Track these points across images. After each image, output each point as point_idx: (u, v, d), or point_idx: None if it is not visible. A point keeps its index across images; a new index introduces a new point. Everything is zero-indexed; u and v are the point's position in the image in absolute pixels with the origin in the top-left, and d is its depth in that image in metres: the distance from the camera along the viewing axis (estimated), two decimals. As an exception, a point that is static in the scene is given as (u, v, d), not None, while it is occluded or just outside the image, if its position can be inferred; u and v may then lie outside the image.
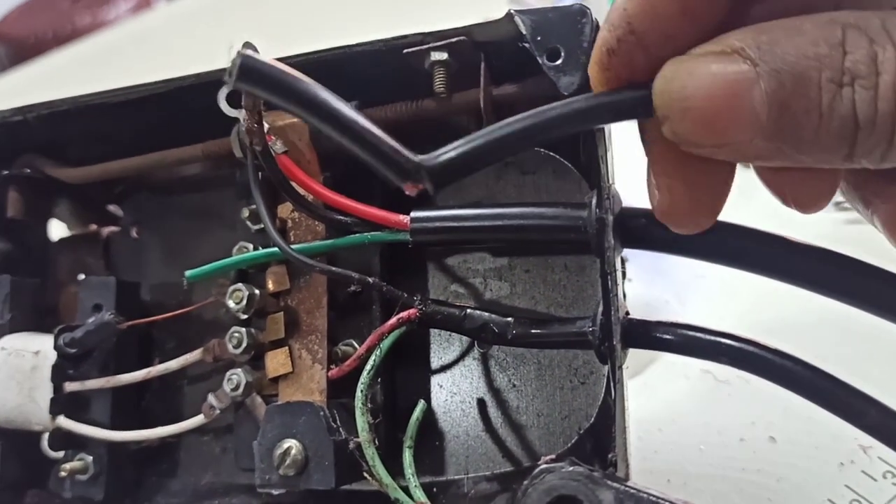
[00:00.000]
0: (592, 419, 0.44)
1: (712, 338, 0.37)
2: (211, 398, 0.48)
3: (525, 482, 0.35)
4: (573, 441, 0.44)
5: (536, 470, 0.35)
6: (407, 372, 0.48)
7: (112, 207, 0.58)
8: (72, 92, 0.50)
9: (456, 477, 0.46)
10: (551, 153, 0.47)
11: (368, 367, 0.41)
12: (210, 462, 0.53)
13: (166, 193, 0.57)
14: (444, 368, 0.48)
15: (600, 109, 0.31)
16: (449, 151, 0.31)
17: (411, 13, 1.11)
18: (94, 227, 0.60)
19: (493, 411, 0.46)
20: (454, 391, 0.47)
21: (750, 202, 0.71)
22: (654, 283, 0.64)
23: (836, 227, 0.67)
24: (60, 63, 1.35)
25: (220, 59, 0.46)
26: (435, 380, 0.48)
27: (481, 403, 0.47)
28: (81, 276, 0.58)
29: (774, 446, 0.52)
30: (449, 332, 0.48)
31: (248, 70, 0.30)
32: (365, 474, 0.39)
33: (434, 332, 0.48)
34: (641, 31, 0.29)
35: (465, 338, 0.48)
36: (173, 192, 0.57)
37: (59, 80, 1.28)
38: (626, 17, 0.29)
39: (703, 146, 0.29)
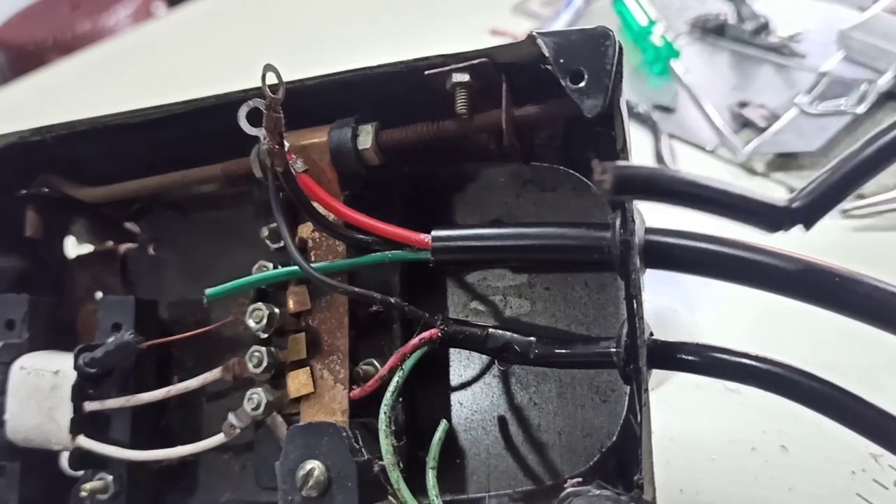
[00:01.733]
0: (615, 437, 0.44)
1: (738, 359, 0.37)
2: (231, 417, 0.47)
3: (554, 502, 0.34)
4: (595, 459, 0.44)
5: (563, 493, 0.35)
6: (427, 390, 0.48)
7: (129, 225, 0.58)
8: (76, 104, 0.50)
9: (477, 495, 0.46)
10: (571, 171, 0.47)
11: (392, 388, 0.41)
12: (230, 480, 0.53)
13: (184, 211, 0.57)
14: (464, 386, 0.48)
15: None
16: (812, 189, 0.33)
17: (415, 32, 1.11)
18: (110, 243, 0.60)
19: (514, 429, 0.46)
20: (475, 409, 0.47)
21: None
22: (662, 293, 0.64)
23: (845, 235, 0.67)
24: (63, 73, 1.35)
25: (221, 66, 0.47)
26: (455, 397, 0.48)
27: (502, 421, 0.47)
28: (99, 294, 0.58)
29: (786, 455, 0.52)
30: (469, 350, 0.48)
31: (624, 182, 0.31)
32: (390, 497, 0.39)
33: (454, 349, 0.48)
34: None
35: (484, 356, 0.48)
36: (191, 210, 0.57)
37: (63, 91, 1.28)
38: None
39: None
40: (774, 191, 0.73)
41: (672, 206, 0.32)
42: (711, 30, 0.96)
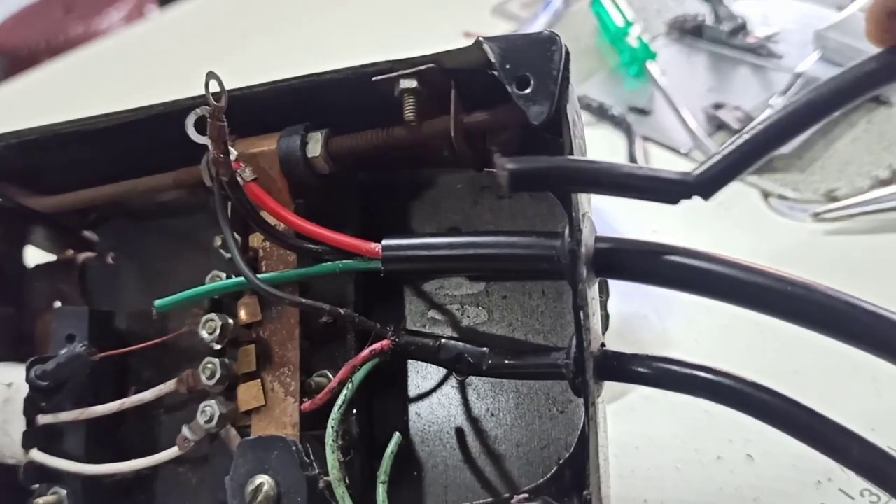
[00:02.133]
0: (571, 449, 0.43)
1: (689, 371, 0.36)
2: (185, 430, 0.47)
3: (498, 522, 0.34)
4: (552, 472, 0.43)
5: (509, 509, 0.34)
6: (384, 401, 0.47)
7: (87, 233, 0.57)
8: (67, 104, 0.49)
9: (434, 509, 0.45)
10: (527, 177, 0.46)
11: (340, 401, 0.40)
12: (187, 494, 0.52)
13: (142, 219, 0.56)
14: (421, 397, 0.47)
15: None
16: (712, 162, 0.33)
17: (396, 33, 1.11)
18: (70, 252, 0.59)
19: (472, 441, 0.46)
20: (432, 421, 0.47)
21: (730, 212, 0.71)
22: (632, 299, 0.63)
23: (816, 238, 0.67)
24: (54, 74, 1.34)
25: (213, 65, 0.46)
26: (413, 409, 0.47)
27: (459, 433, 0.46)
28: (58, 304, 0.57)
29: (752, 464, 0.51)
30: (426, 361, 0.47)
31: (522, 177, 0.33)
32: (334, 515, 0.38)
33: (411, 360, 0.48)
34: None
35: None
36: (149, 218, 0.56)
37: (54, 91, 1.27)
38: None
39: None
40: (749, 195, 0.72)
41: (578, 192, 0.33)
42: (689, 31, 0.95)
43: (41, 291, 0.58)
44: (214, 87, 0.39)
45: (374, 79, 0.41)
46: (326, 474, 0.41)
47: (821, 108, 0.35)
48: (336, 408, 0.40)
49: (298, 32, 1.20)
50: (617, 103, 0.86)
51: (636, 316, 0.62)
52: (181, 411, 0.53)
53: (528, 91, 0.37)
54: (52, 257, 0.60)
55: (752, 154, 0.34)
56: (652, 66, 0.89)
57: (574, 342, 0.38)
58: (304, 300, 0.41)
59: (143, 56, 1.27)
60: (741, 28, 0.92)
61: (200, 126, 0.43)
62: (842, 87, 0.34)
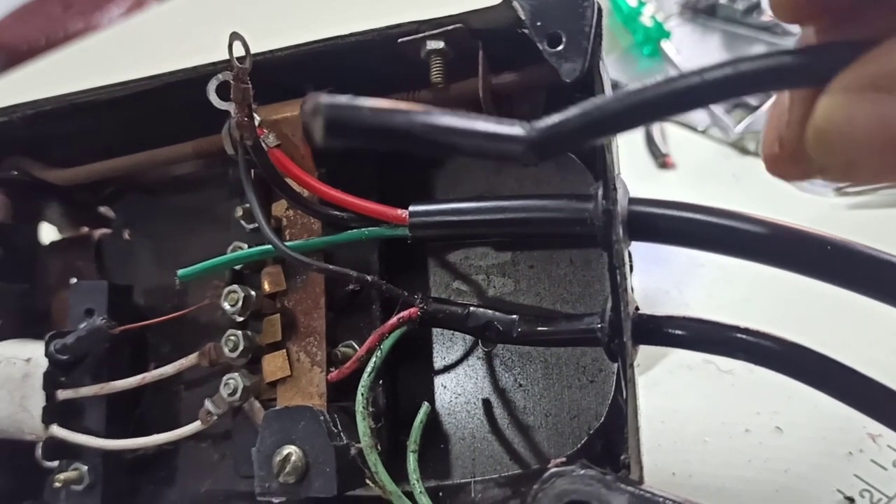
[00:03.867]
0: (602, 419, 0.42)
1: (726, 332, 0.36)
2: (208, 404, 0.46)
3: (535, 486, 0.33)
4: (583, 442, 0.43)
5: (547, 474, 0.33)
6: (409, 373, 0.46)
7: (103, 209, 0.57)
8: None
9: (462, 481, 0.45)
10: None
11: (369, 369, 0.39)
12: (208, 469, 0.51)
13: (157, 194, 0.56)
14: (447, 368, 0.46)
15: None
16: (551, 124, 0.27)
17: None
18: (85, 229, 0.58)
19: (500, 412, 0.45)
20: (458, 392, 0.46)
21: (752, 186, 0.70)
22: (653, 273, 0.63)
23: (837, 212, 0.66)
24: (51, 66, 1.33)
25: (214, 54, 0.45)
26: (438, 380, 0.46)
27: (487, 404, 0.45)
28: (73, 281, 0.57)
29: (780, 436, 0.51)
30: (452, 331, 0.46)
31: (336, 124, 0.25)
32: (368, 481, 0.37)
33: (436, 331, 0.47)
34: None
35: (468, 336, 0.46)
36: (165, 193, 0.55)
37: (50, 82, 1.25)
38: None
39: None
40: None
41: (405, 151, 0.27)
42: (702, 10, 0.94)
43: (56, 268, 0.57)
44: (238, 50, 0.38)
45: (399, 41, 0.40)
46: (357, 443, 0.40)
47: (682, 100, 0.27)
48: (366, 375, 0.39)
49: (293, 18, 1.19)
50: (631, 83, 0.85)
51: (658, 291, 0.61)
52: (200, 387, 0.52)
53: (560, 48, 0.36)
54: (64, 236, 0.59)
55: (592, 132, 0.28)
56: (666, 45, 0.88)
57: (609, 306, 0.37)
58: (331, 266, 0.40)
59: (141, 46, 1.25)
60: (755, 6, 0.91)
61: (222, 93, 0.42)
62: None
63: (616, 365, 0.42)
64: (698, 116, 0.79)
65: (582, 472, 0.32)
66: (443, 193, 0.48)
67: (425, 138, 0.26)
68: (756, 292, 0.58)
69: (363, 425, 0.38)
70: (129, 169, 0.49)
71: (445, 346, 0.47)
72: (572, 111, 0.27)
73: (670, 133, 0.79)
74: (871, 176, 0.27)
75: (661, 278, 0.62)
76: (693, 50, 0.89)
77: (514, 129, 0.27)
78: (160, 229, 0.55)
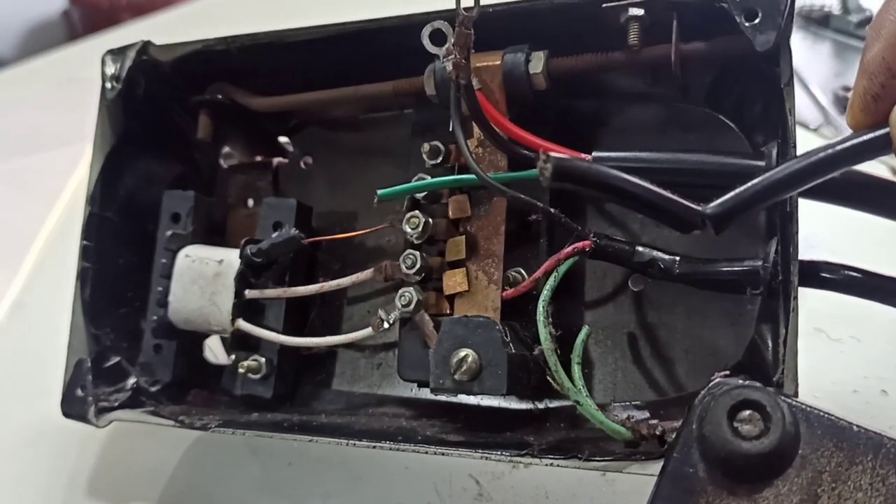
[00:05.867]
0: (740, 357, 0.48)
1: (876, 279, 0.41)
2: (381, 312, 0.52)
3: (703, 391, 0.38)
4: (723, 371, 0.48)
5: (714, 381, 0.38)
6: (563, 303, 0.51)
7: (283, 141, 0.63)
8: None
9: (603, 402, 0.50)
10: (714, 112, 0.51)
11: (548, 286, 0.45)
12: (364, 376, 0.58)
13: (335, 130, 0.62)
14: (597, 303, 0.52)
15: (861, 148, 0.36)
16: (725, 200, 0.37)
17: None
18: (259, 158, 0.65)
19: (643, 345, 0.50)
20: (606, 325, 0.51)
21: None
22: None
23: None
24: (135, 35, 1.35)
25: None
26: (588, 313, 0.52)
27: (632, 337, 0.51)
28: (251, 202, 0.63)
29: (886, 399, 0.55)
30: (604, 271, 0.52)
31: (563, 173, 0.37)
32: (548, 378, 0.43)
33: (589, 269, 0.52)
34: None
35: (618, 276, 0.52)
36: (343, 129, 0.61)
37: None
38: (886, 65, 0.34)
39: None
40: (877, 169, 0.75)
41: (602, 197, 0.37)
42: (815, 20, 0.98)
43: (236, 187, 0.64)
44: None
45: (604, 5, 0.45)
46: (524, 353, 0.46)
47: (817, 172, 0.37)
48: (546, 290, 0.45)
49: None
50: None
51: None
52: (364, 302, 0.58)
53: (756, 22, 0.41)
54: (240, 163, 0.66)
55: (761, 197, 0.37)
56: (780, 48, 0.92)
57: (772, 249, 0.42)
58: (523, 195, 0.46)
59: (232, 16, 1.29)
60: (868, 20, 0.95)
61: (435, 39, 0.48)
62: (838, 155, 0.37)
63: (755, 310, 0.47)
64: (811, 115, 0.83)
65: (748, 381, 0.38)
66: (604, 148, 0.53)
67: (623, 194, 0.38)
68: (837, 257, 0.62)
69: (544, 332, 0.43)
70: (327, 102, 0.56)
71: (597, 283, 0.52)
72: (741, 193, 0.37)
73: (781, 129, 0.83)
74: None
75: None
76: (804, 55, 0.94)
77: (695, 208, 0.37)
78: (334, 161, 0.62)
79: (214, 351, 0.62)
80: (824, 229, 0.60)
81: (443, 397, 0.53)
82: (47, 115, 1.13)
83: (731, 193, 0.37)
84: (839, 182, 0.38)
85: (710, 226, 0.37)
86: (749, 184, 0.37)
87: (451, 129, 0.47)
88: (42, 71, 1.32)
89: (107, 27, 1.43)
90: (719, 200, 0.37)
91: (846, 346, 0.58)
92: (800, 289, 0.39)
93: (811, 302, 0.46)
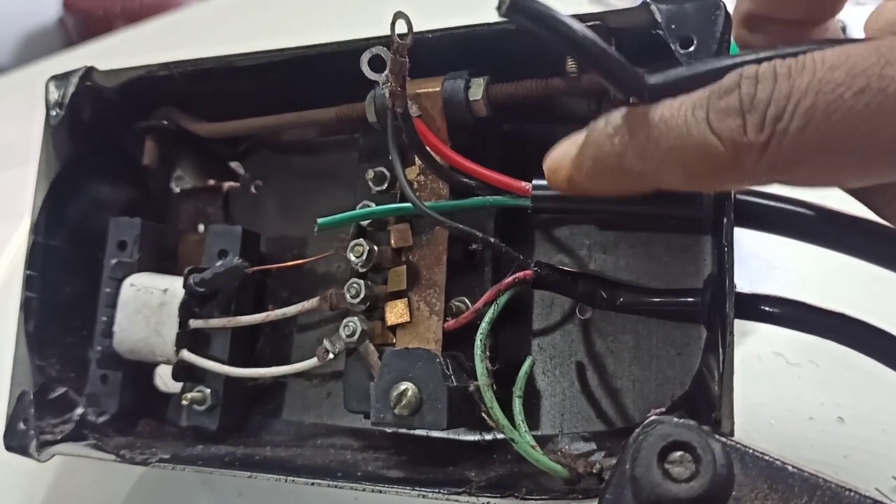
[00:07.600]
0: (687, 387, 0.47)
1: (817, 315, 0.40)
2: (326, 343, 0.51)
3: (637, 430, 0.37)
4: (666, 406, 0.47)
5: (648, 420, 0.37)
6: (509, 332, 0.51)
7: (234, 165, 0.62)
8: None
9: (551, 433, 0.49)
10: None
11: (487, 318, 0.44)
12: (314, 405, 0.57)
13: (286, 154, 0.61)
14: (544, 332, 0.51)
15: None
16: (669, 73, 0.35)
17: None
18: (211, 182, 0.64)
19: (591, 374, 0.49)
20: (553, 354, 0.51)
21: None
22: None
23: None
24: (128, 41, 1.35)
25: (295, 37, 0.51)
26: (535, 342, 0.51)
27: (580, 366, 0.50)
28: (201, 227, 0.62)
29: (842, 426, 0.54)
30: (551, 299, 0.51)
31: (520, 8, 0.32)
32: (483, 415, 0.42)
33: (537, 296, 0.52)
34: None
35: (566, 304, 0.51)
36: (293, 154, 0.61)
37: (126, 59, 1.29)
38: None
39: None
40: None
41: (552, 41, 0.33)
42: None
43: (186, 213, 0.63)
44: (401, 27, 0.43)
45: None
46: (465, 385, 0.45)
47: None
48: (484, 322, 0.44)
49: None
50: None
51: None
52: (313, 330, 0.58)
53: (690, 49, 0.41)
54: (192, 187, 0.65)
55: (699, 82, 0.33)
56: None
57: (710, 281, 0.41)
58: (461, 226, 0.45)
59: (218, 26, 1.28)
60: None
61: (374, 65, 0.47)
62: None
63: (702, 340, 0.46)
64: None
65: (681, 420, 0.37)
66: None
67: (581, 44, 0.33)
68: (826, 297, 0.62)
69: (481, 367, 0.43)
70: (272, 127, 0.55)
71: (545, 311, 0.51)
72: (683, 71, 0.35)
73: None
74: None
75: (736, 278, 0.66)
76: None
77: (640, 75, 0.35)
78: (285, 186, 0.61)
79: (165, 380, 0.61)
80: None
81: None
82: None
83: (676, 70, 0.35)
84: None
85: (647, 96, 0.34)
86: (691, 66, 0.35)
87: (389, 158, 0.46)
88: (38, 77, 1.30)
89: (101, 34, 1.42)
90: (663, 74, 0.35)
91: (804, 370, 0.58)
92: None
93: (771, 326, 0.45)
